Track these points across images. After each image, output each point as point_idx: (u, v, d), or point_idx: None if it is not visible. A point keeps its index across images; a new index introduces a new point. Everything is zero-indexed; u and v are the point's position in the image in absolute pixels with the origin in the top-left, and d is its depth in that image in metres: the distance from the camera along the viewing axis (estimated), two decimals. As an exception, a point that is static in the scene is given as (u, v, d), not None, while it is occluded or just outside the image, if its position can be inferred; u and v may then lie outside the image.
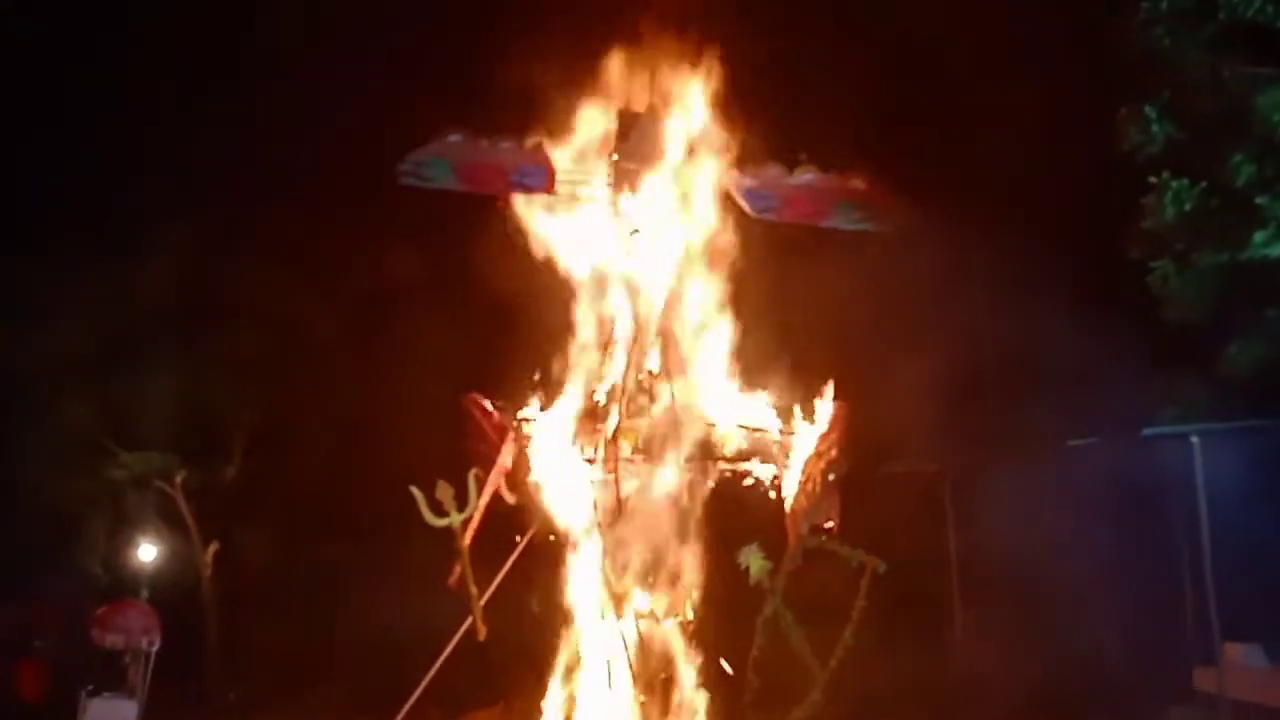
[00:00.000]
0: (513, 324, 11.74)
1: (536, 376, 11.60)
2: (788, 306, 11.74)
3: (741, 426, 11.38)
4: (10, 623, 16.35)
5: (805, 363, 11.42)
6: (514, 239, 12.02)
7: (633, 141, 12.10)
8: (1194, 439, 9.94)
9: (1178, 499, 10.29)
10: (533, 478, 11.36)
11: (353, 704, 12.58)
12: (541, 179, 12.35)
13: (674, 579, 10.87)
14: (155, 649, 13.93)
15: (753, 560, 9.65)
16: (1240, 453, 10.29)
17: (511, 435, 11.33)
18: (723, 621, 10.70)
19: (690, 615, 10.81)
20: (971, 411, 13.70)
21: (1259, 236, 11.00)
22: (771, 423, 11.28)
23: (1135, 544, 11.52)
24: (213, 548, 16.77)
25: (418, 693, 10.97)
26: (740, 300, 11.80)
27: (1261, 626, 10.70)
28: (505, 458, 11.17)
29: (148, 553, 16.23)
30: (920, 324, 14.24)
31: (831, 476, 10.45)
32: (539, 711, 11.03)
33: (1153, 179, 11.45)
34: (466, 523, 11.09)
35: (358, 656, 14.02)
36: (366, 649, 13.93)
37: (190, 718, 14.07)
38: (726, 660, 10.48)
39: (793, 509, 10.53)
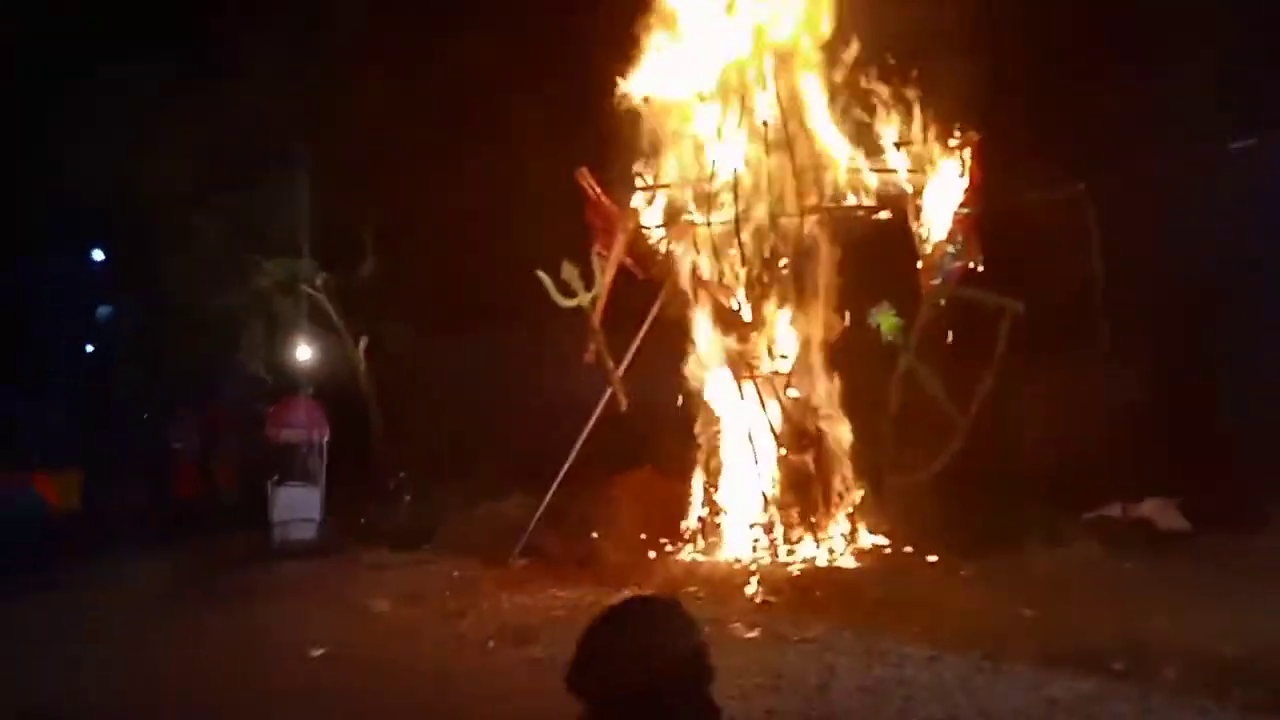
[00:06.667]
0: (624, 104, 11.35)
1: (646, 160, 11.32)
2: (900, 41, 10.85)
3: (869, 170, 10.89)
4: (195, 430, 17.82)
5: (928, 98, 10.65)
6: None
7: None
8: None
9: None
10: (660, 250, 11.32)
11: (513, 475, 13.28)
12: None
13: (806, 339, 10.79)
14: (326, 439, 14.94)
15: (883, 319, 9.43)
16: None
17: (626, 214, 11.23)
18: (859, 380, 10.60)
19: (824, 374, 10.77)
20: (1110, 115, 12.35)
21: None
22: (901, 164, 10.74)
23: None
24: (363, 342, 17.53)
25: (570, 460, 11.51)
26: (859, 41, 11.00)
27: None
28: (623, 235, 11.12)
29: (304, 352, 17.06)
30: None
31: (966, 210, 9.98)
32: (687, 470, 11.44)
33: None
34: (595, 301, 11.25)
35: (513, 433, 14.68)
36: (521, 425, 14.55)
37: (365, 498, 15.18)
38: (865, 418, 10.45)
39: (927, 258, 10.15)
